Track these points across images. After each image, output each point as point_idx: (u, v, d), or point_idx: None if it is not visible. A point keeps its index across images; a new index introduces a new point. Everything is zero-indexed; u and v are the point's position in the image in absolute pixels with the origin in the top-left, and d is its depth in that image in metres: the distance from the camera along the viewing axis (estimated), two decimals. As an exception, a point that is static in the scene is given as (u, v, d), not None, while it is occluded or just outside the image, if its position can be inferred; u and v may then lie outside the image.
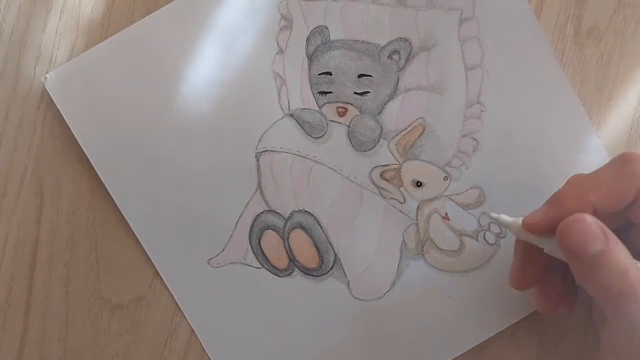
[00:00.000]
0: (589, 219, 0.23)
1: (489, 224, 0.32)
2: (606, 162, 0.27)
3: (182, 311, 0.34)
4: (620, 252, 0.23)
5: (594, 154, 0.32)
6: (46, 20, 0.34)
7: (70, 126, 0.33)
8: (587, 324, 0.32)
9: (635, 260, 0.23)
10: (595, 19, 0.33)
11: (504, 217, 0.28)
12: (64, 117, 0.33)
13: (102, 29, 0.34)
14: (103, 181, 0.33)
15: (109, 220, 0.34)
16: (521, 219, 0.27)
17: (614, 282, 0.23)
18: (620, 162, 0.25)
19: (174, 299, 0.34)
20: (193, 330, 0.34)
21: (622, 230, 0.25)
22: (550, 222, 0.25)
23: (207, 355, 0.34)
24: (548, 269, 0.28)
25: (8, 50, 0.34)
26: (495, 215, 0.28)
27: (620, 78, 0.33)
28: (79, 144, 0.33)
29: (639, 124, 0.33)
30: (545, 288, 0.29)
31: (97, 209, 0.33)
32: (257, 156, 0.33)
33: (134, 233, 0.33)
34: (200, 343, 0.34)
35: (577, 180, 0.26)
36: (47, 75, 0.33)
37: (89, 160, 0.33)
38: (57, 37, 0.34)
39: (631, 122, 0.33)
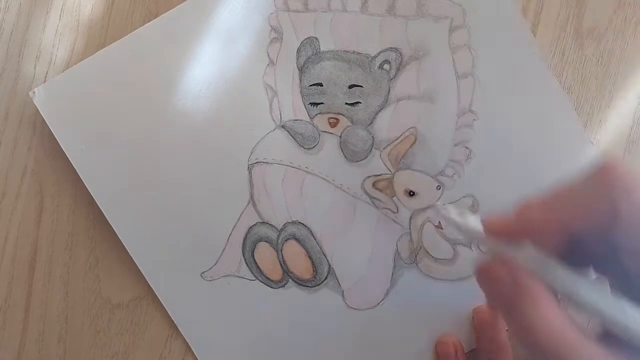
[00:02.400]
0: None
1: (482, 233, 0.32)
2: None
3: (175, 325, 0.34)
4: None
5: (588, 160, 0.32)
6: (46, 20, 0.34)
7: (58, 140, 0.33)
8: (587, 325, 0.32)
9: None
10: (595, 18, 0.33)
11: (468, 219, 0.23)
12: (53, 131, 0.33)
13: (102, 29, 0.34)
14: (93, 196, 0.33)
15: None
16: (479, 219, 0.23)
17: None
18: (597, 175, 0.21)
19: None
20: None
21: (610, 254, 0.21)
22: (512, 231, 0.22)
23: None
24: None
25: (8, 50, 0.34)
26: (454, 218, 0.23)
27: (620, 78, 0.33)
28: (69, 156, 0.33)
29: (639, 124, 0.33)
30: None
31: (97, 209, 0.33)
32: (250, 168, 0.33)
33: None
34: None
35: (551, 195, 0.22)
36: (35, 89, 0.33)
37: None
38: (57, 37, 0.34)
39: (631, 122, 0.33)
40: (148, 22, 0.33)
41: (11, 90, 0.34)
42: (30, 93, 0.33)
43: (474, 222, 0.23)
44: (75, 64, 0.33)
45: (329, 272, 0.33)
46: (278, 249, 0.33)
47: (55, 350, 0.34)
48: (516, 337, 0.22)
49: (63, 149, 0.33)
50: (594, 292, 0.20)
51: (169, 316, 0.34)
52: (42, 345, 0.34)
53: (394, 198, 0.32)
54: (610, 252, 0.21)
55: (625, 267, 0.21)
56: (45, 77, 0.34)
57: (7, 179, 0.34)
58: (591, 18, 0.33)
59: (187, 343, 0.34)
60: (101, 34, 0.34)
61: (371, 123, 0.32)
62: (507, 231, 0.22)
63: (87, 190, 0.33)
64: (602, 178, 0.20)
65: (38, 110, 0.33)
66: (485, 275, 0.22)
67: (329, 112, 0.33)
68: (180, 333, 0.34)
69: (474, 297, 0.32)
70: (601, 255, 0.21)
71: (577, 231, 0.21)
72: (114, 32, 0.34)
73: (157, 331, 0.34)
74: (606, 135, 0.33)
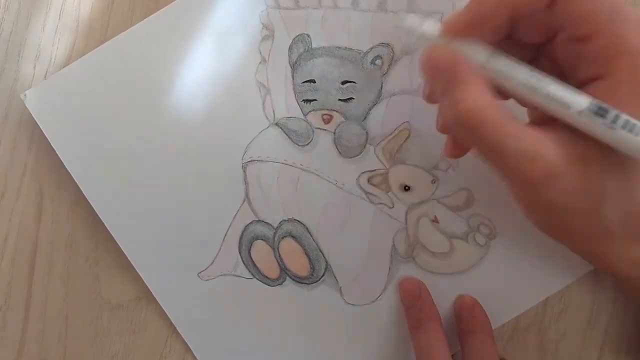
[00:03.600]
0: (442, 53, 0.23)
1: (479, 226, 0.32)
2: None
3: (173, 325, 0.33)
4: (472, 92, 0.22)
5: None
6: (45, 19, 0.34)
7: (51, 142, 0.33)
8: (587, 326, 0.33)
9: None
10: None
11: (415, 21, 0.24)
12: (45, 133, 0.32)
13: (101, 29, 0.34)
14: (87, 198, 0.33)
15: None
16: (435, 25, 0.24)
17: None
18: None
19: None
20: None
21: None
22: (470, 23, 0.23)
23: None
24: None
25: (7, 50, 0.34)
26: (409, 22, 0.25)
27: None
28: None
29: None
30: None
31: (97, 209, 0.33)
32: (244, 166, 0.33)
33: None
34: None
35: None
36: (27, 92, 0.32)
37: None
38: (56, 37, 0.34)
39: None
40: (148, 21, 0.33)
41: (10, 90, 0.34)
42: (22, 95, 0.32)
43: (429, 26, 0.24)
44: (75, 64, 0.33)
45: (326, 268, 0.33)
46: (275, 247, 0.33)
47: (55, 350, 0.34)
48: (445, 115, 0.24)
49: (56, 150, 0.32)
50: (531, 75, 0.22)
51: (169, 316, 0.34)
52: (42, 345, 0.34)
53: (389, 193, 0.32)
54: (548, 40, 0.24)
55: (560, 55, 0.24)
56: (45, 77, 0.34)
57: (7, 179, 0.34)
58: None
59: (187, 343, 0.33)
60: (101, 34, 0.34)
61: (365, 119, 0.32)
62: (463, 26, 0.23)
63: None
64: None
65: (37, 110, 0.33)
66: (429, 61, 0.24)
67: (322, 109, 0.33)
68: (180, 333, 0.33)
69: (472, 290, 0.32)
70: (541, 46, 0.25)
71: (523, 14, 0.23)
72: (114, 31, 0.33)
73: (157, 331, 0.34)
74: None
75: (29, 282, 0.34)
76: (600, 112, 0.21)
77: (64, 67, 0.33)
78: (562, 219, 0.25)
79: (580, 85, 0.23)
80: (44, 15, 0.34)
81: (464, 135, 0.24)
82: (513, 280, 0.32)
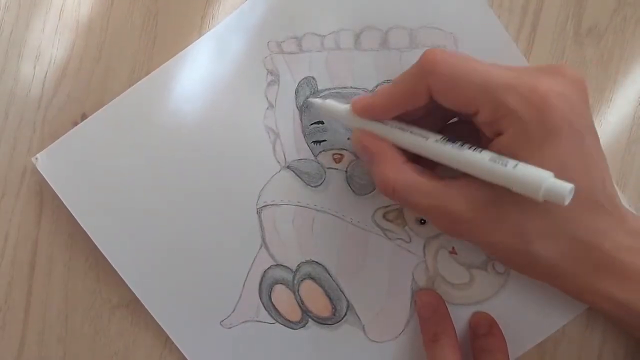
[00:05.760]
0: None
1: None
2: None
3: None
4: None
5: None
6: (45, 20, 0.34)
7: (65, 204, 0.32)
8: (586, 326, 0.33)
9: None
10: (595, 18, 0.33)
11: (329, 102, 0.29)
12: (59, 195, 0.32)
13: (101, 30, 0.34)
14: (107, 257, 0.32)
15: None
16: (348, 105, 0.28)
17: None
18: (418, 62, 0.26)
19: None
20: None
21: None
22: (373, 111, 0.28)
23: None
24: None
25: (7, 50, 0.34)
26: (317, 101, 0.30)
27: (620, 78, 0.33)
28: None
29: (639, 124, 0.33)
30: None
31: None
32: (259, 212, 0.33)
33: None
34: None
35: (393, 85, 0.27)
36: (38, 155, 0.32)
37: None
38: (56, 37, 0.34)
39: (631, 122, 0.33)
40: (147, 21, 0.34)
41: (10, 91, 0.34)
42: (33, 159, 0.32)
43: (337, 105, 0.29)
44: (75, 64, 0.34)
45: (348, 307, 0.33)
46: (295, 290, 0.33)
47: (55, 350, 0.34)
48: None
49: (71, 211, 0.32)
50: (437, 142, 0.26)
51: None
52: (42, 346, 0.34)
53: (406, 227, 0.32)
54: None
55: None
56: (45, 77, 0.34)
57: (7, 179, 0.34)
58: (591, 17, 0.33)
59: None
60: (101, 34, 0.34)
61: (375, 156, 0.33)
62: (368, 112, 0.28)
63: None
64: (419, 63, 0.26)
65: (38, 111, 0.32)
66: (355, 142, 0.29)
67: (332, 149, 0.33)
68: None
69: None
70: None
71: (412, 109, 0.27)
72: (114, 32, 0.34)
73: (157, 331, 0.34)
74: (606, 135, 0.33)
75: (29, 282, 0.34)
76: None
77: (64, 67, 0.34)
78: (505, 258, 0.26)
79: (490, 140, 0.26)
80: (44, 15, 0.34)
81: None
82: (534, 306, 0.32)
